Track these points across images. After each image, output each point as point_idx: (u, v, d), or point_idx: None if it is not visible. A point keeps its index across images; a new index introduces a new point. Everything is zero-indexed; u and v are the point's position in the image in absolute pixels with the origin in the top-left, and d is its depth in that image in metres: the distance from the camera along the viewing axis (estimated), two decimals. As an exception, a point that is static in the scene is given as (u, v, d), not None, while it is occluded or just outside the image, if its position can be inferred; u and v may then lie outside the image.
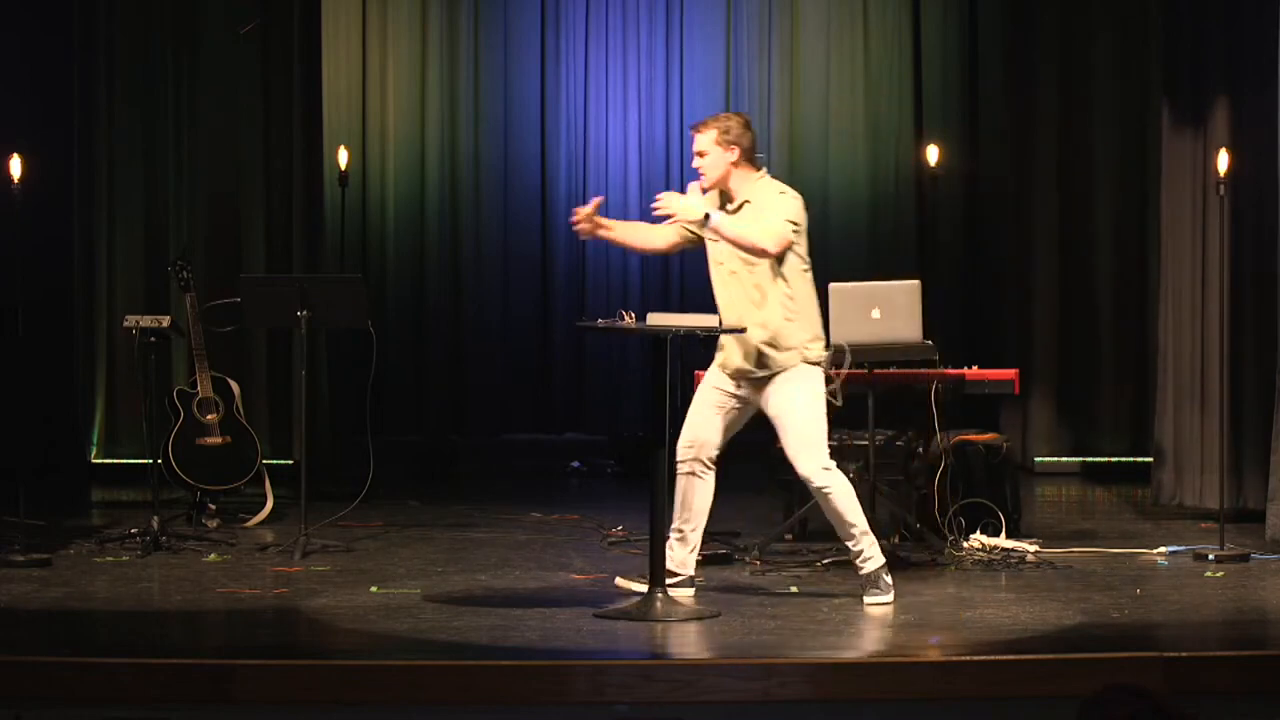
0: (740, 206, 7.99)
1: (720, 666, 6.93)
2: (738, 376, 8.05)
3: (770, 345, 7.97)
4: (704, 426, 8.11)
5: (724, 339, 8.02)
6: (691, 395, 9.41)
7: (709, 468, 8.13)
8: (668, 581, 7.93)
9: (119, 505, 10.99)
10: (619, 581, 8.24)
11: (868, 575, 7.98)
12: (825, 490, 7.93)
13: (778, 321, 7.95)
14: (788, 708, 6.74)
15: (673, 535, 8.08)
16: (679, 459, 8.11)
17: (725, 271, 8.02)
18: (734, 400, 8.08)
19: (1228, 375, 9.51)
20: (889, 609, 7.89)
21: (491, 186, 13.13)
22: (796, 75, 13.14)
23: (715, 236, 7.95)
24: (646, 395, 8.05)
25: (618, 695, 6.72)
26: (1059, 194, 12.40)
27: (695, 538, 8.15)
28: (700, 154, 8.04)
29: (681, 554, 8.11)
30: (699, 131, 8.05)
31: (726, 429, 8.13)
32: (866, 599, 7.94)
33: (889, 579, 8.00)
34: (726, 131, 7.99)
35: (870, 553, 7.98)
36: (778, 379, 7.98)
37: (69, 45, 11.73)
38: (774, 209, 7.95)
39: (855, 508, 7.98)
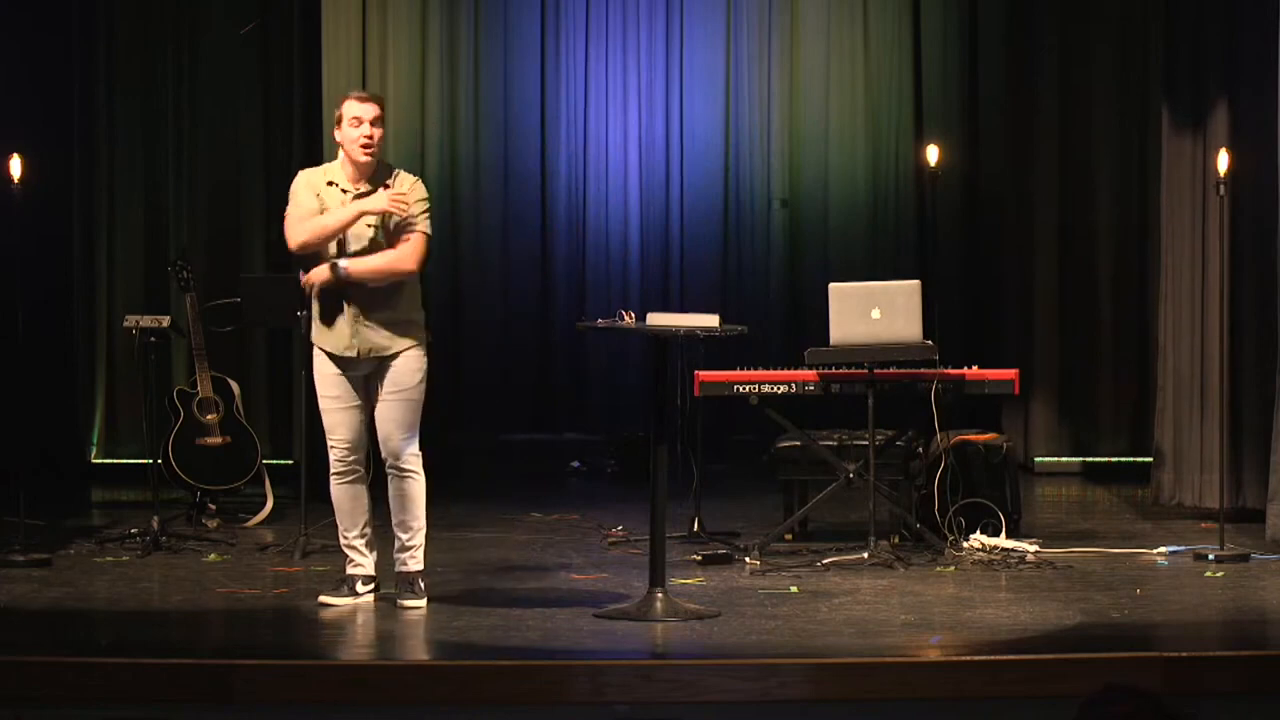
0: (371, 190, 7.90)
1: (720, 666, 6.92)
2: (366, 357, 7.88)
3: (400, 324, 7.90)
4: (355, 429, 7.97)
5: (347, 322, 7.86)
6: (691, 395, 9.44)
7: (365, 468, 8.07)
8: (365, 589, 7.99)
9: (119, 505, 10.99)
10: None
11: (411, 574, 7.95)
12: (407, 475, 7.89)
13: (408, 302, 7.92)
14: (788, 708, 6.74)
15: (359, 543, 8.00)
16: (341, 468, 7.95)
17: (353, 254, 7.85)
18: (359, 389, 7.94)
19: (1228, 375, 9.51)
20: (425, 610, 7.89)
21: (491, 186, 13.13)
22: (796, 75, 13.15)
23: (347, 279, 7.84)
24: (646, 395, 8.03)
25: (618, 695, 6.72)
26: (1059, 194, 12.42)
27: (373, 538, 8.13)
28: (379, 123, 7.90)
29: (373, 557, 8.08)
30: (376, 103, 7.95)
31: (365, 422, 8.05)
32: (404, 601, 7.90)
33: (424, 584, 7.99)
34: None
35: (419, 553, 7.97)
36: (399, 358, 7.91)
37: (68, 45, 11.74)
38: (419, 213, 7.92)
39: (423, 502, 7.96)
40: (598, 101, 13.12)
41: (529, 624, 7.64)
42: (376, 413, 7.94)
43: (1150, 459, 10.79)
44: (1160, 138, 10.56)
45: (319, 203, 7.95)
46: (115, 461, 12.00)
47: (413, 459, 7.91)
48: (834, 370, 9.19)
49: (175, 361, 11.48)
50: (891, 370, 9.12)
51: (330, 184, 7.96)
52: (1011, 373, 9.41)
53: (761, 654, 7.09)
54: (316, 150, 11.88)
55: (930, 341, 9.04)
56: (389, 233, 7.89)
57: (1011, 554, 8.99)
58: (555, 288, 13.13)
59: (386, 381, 7.92)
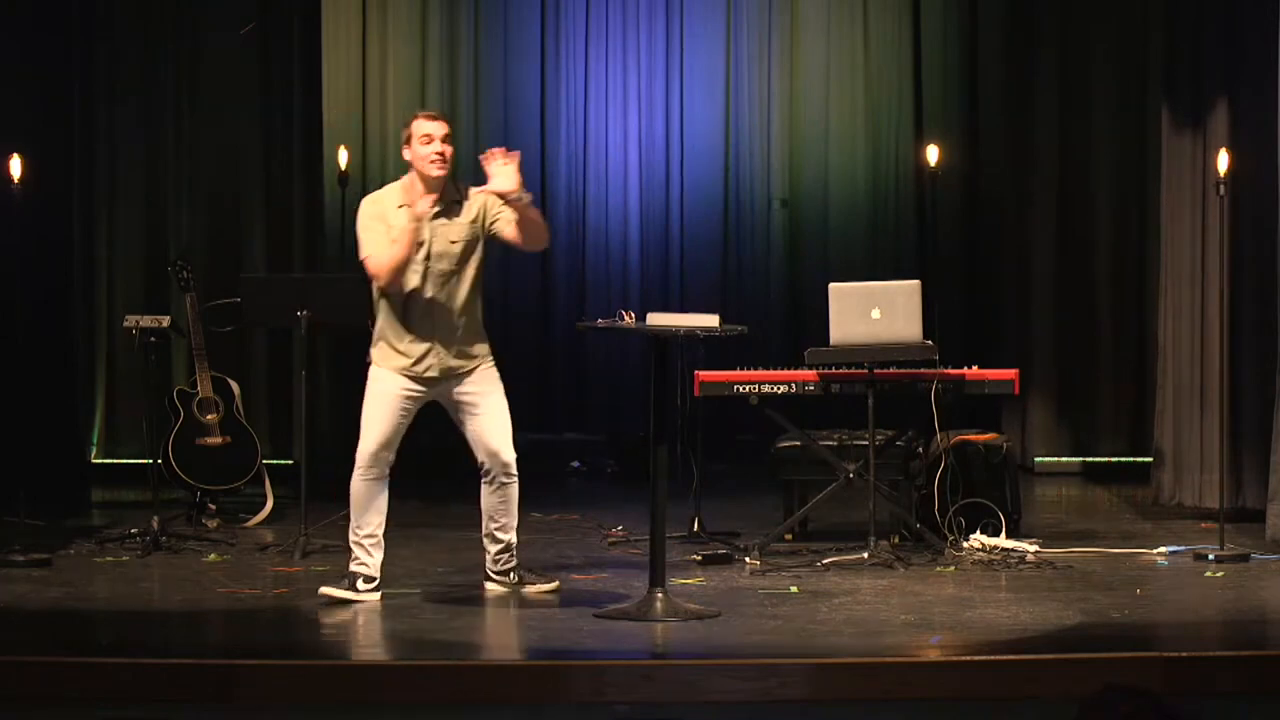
0: (445, 208, 8.00)
1: (720, 666, 6.92)
2: (446, 376, 7.99)
3: (476, 339, 8.03)
4: (396, 432, 8.05)
5: (427, 342, 7.94)
6: (691, 395, 9.44)
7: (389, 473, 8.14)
8: (365, 587, 8.01)
9: (119, 505, 10.99)
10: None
11: (518, 568, 8.19)
12: (514, 480, 8.06)
13: (478, 315, 8.05)
14: (788, 708, 6.74)
15: (367, 542, 8.05)
16: (371, 465, 8.02)
17: (439, 273, 7.96)
18: (416, 404, 8.05)
19: (1228, 375, 9.51)
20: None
21: (491, 187, 13.12)
22: (796, 75, 13.15)
23: (516, 214, 7.95)
24: (646, 395, 8.03)
25: (618, 695, 6.72)
26: (1059, 194, 12.41)
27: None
28: (448, 140, 8.03)
29: (379, 558, 8.12)
30: (445, 121, 8.07)
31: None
32: (534, 587, 8.17)
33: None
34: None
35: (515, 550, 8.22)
36: (478, 371, 8.03)
37: (68, 45, 11.73)
38: (501, 212, 8.06)
39: None
40: (598, 102, 13.12)
41: (529, 624, 7.64)
42: (478, 428, 8.02)
43: (1150, 459, 10.79)
44: (1160, 138, 10.56)
45: (388, 228, 8.00)
46: (115, 461, 11.99)
47: (514, 465, 8.07)
48: (834, 370, 9.19)
49: (175, 361, 11.47)
50: (891, 370, 9.12)
51: (402, 207, 8.02)
52: (1011, 373, 9.41)
53: (761, 654, 7.09)
54: (316, 150, 11.90)
55: (930, 341, 9.04)
56: (466, 251, 7.96)
57: (1011, 554, 8.99)
58: (555, 288, 13.13)
59: (475, 398, 8.01)
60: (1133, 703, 4.12)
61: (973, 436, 9.67)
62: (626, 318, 7.99)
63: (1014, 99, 12.52)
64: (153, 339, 9.75)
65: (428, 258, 7.97)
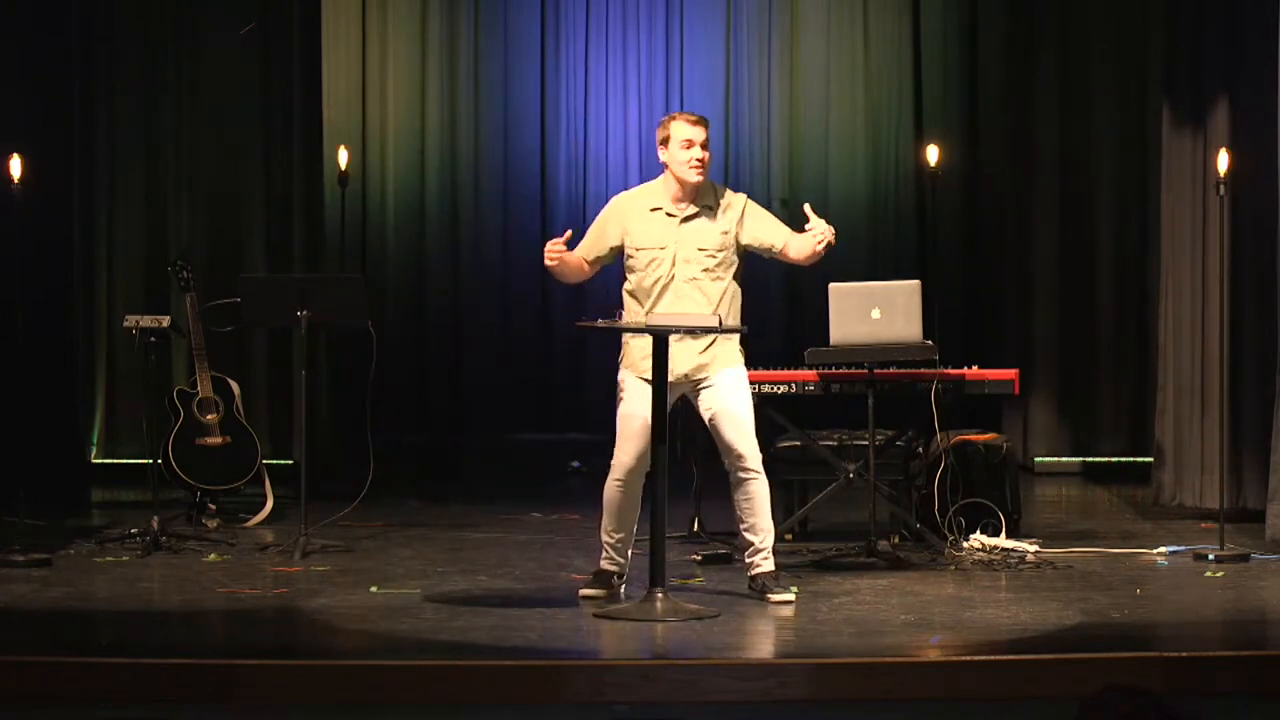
0: (699, 212, 8.01)
1: (720, 666, 6.92)
2: (687, 380, 8.07)
3: (726, 342, 8.04)
4: (644, 440, 8.10)
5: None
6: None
7: None
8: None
9: (119, 505, 10.99)
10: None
11: (772, 574, 8.03)
12: (753, 476, 7.98)
13: (733, 318, 8.03)
14: (788, 708, 6.74)
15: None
16: (626, 476, 8.10)
17: (687, 277, 7.98)
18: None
19: (1228, 375, 9.51)
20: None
21: (491, 186, 13.14)
22: (796, 75, 13.15)
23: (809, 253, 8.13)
24: (646, 395, 8.03)
25: (618, 695, 6.72)
26: (1059, 194, 12.42)
27: None
28: (706, 145, 8.00)
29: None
30: (705, 126, 8.01)
31: None
32: (775, 595, 7.96)
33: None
34: None
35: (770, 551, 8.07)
36: (721, 372, 8.03)
37: (68, 45, 11.72)
38: (763, 210, 8.19)
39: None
40: (598, 101, 13.13)
41: (529, 624, 7.64)
42: (714, 424, 8.00)
43: (1150, 459, 10.79)
44: (1160, 138, 10.56)
45: (620, 232, 8.09)
46: (115, 461, 11.99)
47: (756, 459, 8.02)
48: (834, 370, 9.19)
49: (175, 361, 11.47)
50: (891, 370, 9.12)
51: (654, 209, 8.01)
52: (1011, 373, 9.41)
53: (761, 654, 7.08)
54: (316, 150, 11.89)
55: (930, 341, 9.03)
56: (717, 255, 7.99)
57: (1011, 554, 8.99)
58: (555, 287, 13.10)
59: (711, 392, 8.03)
60: (1133, 703, 4.12)
61: (973, 436, 9.67)
62: (627, 317, 8.00)
63: (1014, 99, 12.53)
64: (153, 339, 9.75)
65: (673, 263, 7.95)
